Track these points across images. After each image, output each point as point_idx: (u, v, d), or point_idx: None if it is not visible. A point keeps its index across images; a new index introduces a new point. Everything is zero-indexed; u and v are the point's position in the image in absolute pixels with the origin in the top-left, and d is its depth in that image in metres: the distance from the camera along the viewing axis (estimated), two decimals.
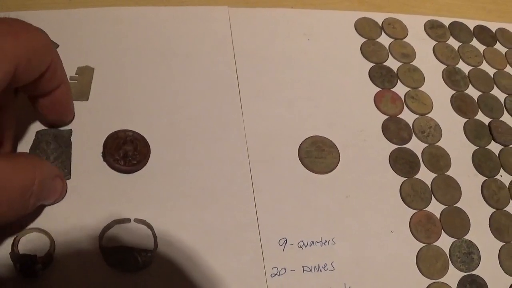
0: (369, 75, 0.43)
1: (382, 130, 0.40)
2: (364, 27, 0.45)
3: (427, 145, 0.40)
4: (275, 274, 0.33)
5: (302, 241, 0.34)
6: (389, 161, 0.39)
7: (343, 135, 0.39)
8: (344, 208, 0.36)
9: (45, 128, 0.34)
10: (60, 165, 0.32)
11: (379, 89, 0.42)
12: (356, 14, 0.45)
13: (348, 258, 0.34)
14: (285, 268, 0.33)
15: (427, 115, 0.42)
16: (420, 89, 0.43)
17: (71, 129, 0.33)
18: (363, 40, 0.44)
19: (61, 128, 0.34)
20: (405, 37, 0.46)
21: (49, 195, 0.30)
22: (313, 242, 0.34)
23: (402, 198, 0.37)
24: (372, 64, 0.43)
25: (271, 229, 0.34)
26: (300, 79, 0.41)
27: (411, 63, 0.44)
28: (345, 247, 0.35)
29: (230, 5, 0.42)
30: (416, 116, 0.42)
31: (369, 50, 0.44)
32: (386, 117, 0.41)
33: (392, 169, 0.38)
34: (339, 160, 0.38)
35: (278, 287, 0.32)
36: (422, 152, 0.40)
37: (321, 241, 0.34)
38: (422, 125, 0.41)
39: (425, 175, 0.39)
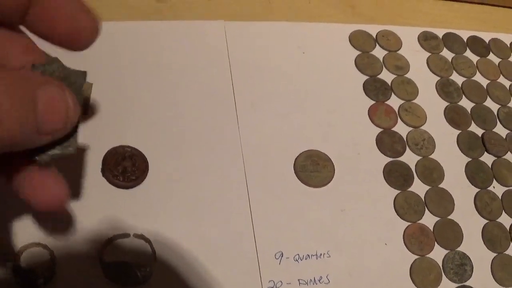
0: (363, 88, 0.44)
1: (376, 143, 0.41)
2: (358, 39, 0.46)
3: (420, 157, 0.42)
4: (272, 287, 0.34)
5: (298, 254, 0.35)
6: (383, 174, 0.40)
7: (337, 149, 0.40)
8: (339, 221, 0.37)
9: (50, 57, 0.24)
10: None
11: (373, 102, 0.43)
12: (350, 27, 0.47)
13: (343, 271, 0.35)
14: (281, 281, 0.34)
15: (421, 127, 0.43)
16: (413, 101, 0.44)
17: (85, 71, 0.24)
18: (358, 52, 0.46)
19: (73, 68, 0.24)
20: (399, 49, 0.47)
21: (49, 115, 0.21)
22: (308, 255, 0.35)
23: (396, 211, 0.39)
24: (367, 77, 0.44)
25: (267, 243, 0.35)
26: (295, 92, 0.42)
27: (405, 75, 0.46)
28: (340, 260, 0.36)
29: (226, 19, 0.43)
30: (410, 128, 0.43)
31: (364, 63, 0.45)
32: (380, 130, 0.42)
33: (386, 182, 0.40)
34: (334, 173, 0.39)
35: None
36: (415, 165, 0.41)
37: (316, 254, 0.36)
38: (415, 138, 0.42)
39: (419, 187, 0.40)
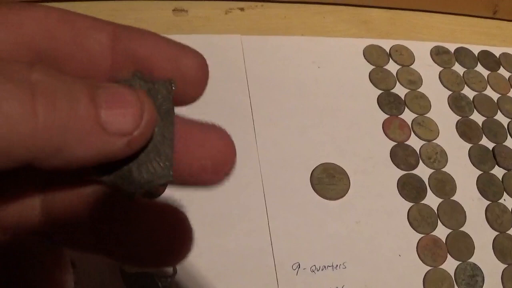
0: (377, 102, 0.45)
1: (391, 157, 0.43)
2: (372, 54, 0.48)
3: (433, 170, 0.43)
4: None
5: (315, 265, 0.37)
6: (397, 186, 0.41)
7: (353, 162, 0.41)
8: (355, 233, 0.39)
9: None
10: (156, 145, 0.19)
11: (387, 116, 0.45)
12: (364, 41, 0.48)
13: (359, 282, 0.37)
14: None
15: (433, 141, 0.45)
16: (426, 115, 0.46)
17: (171, 80, 0.19)
18: (372, 67, 0.47)
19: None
20: (412, 64, 0.49)
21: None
22: (325, 266, 0.37)
23: (409, 223, 0.40)
24: (381, 91, 0.46)
25: (285, 254, 0.36)
26: (311, 106, 0.43)
27: (418, 90, 0.47)
28: (355, 271, 0.37)
29: (243, 33, 0.45)
30: (423, 142, 0.44)
31: (378, 77, 0.47)
32: (394, 143, 0.43)
33: (400, 194, 0.41)
34: (349, 186, 0.40)
35: None
36: (428, 178, 0.43)
37: (332, 266, 0.37)
38: (428, 151, 0.44)
39: (432, 200, 0.42)
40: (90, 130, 0.16)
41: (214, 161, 0.19)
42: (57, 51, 0.19)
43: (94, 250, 0.20)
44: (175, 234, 0.20)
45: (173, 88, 0.19)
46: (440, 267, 0.39)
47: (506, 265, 0.41)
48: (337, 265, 0.37)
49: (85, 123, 0.16)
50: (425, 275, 0.38)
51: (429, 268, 0.39)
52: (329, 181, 0.40)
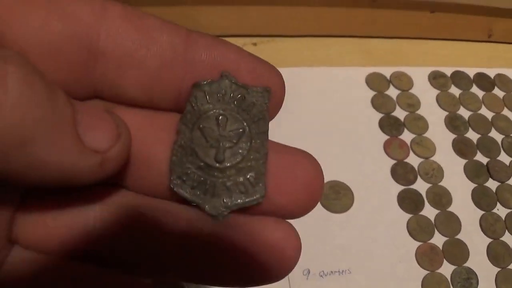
0: (379, 125, 0.50)
1: (391, 173, 0.47)
2: (374, 81, 0.53)
3: (430, 185, 0.47)
4: None
5: (323, 270, 0.41)
6: (397, 200, 0.46)
7: (356, 179, 0.46)
8: (359, 242, 0.43)
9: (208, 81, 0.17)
10: (250, 165, 0.17)
11: (388, 136, 0.49)
12: (367, 70, 0.52)
13: (363, 285, 0.42)
14: None
15: (431, 158, 0.49)
16: (424, 135, 0.50)
17: (267, 88, 0.18)
18: (374, 93, 0.52)
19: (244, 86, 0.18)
20: (411, 88, 0.53)
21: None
22: (332, 271, 0.42)
23: (409, 232, 0.44)
24: (382, 115, 0.50)
25: None
26: (318, 130, 0.48)
27: (416, 112, 0.51)
28: (360, 276, 0.42)
29: None
30: (421, 159, 0.48)
31: (379, 102, 0.51)
32: (395, 161, 0.48)
33: (400, 207, 0.45)
34: (353, 201, 0.45)
35: None
36: (426, 192, 0.47)
37: (339, 271, 0.42)
38: (426, 168, 0.48)
39: (429, 211, 0.46)
40: (64, 130, 0.14)
41: (306, 187, 0.18)
42: (117, 54, 0.16)
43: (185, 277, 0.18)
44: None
45: (270, 97, 0.17)
46: (437, 271, 0.42)
47: (499, 269, 0.44)
48: (343, 271, 0.42)
49: (60, 120, 0.14)
50: (423, 278, 0.42)
51: (426, 272, 0.42)
52: (335, 196, 0.46)
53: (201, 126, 0.17)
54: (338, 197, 0.46)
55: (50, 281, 0.17)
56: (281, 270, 0.18)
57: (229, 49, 0.17)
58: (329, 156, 0.48)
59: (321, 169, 0.18)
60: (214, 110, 0.17)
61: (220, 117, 0.17)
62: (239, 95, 0.17)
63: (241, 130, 0.17)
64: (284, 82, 0.19)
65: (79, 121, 0.14)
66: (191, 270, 0.18)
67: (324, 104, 0.51)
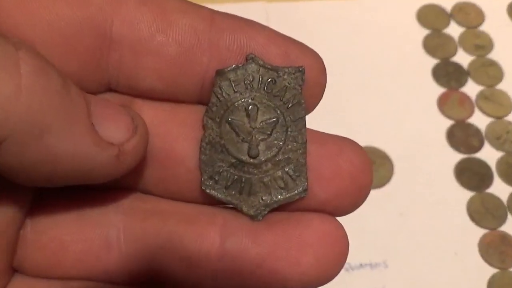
0: (432, 74, 0.45)
1: (447, 138, 0.43)
2: (428, 16, 0.48)
3: (503, 153, 0.42)
4: None
5: (349, 263, 0.37)
6: (454, 173, 0.41)
7: (398, 145, 0.42)
8: (398, 226, 0.39)
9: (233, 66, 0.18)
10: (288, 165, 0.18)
11: (444, 89, 0.45)
12: (418, 1, 0.48)
13: (403, 284, 0.37)
14: None
15: (505, 118, 0.44)
16: (496, 87, 0.45)
17: (301, 68, 0.18)
18: (427, 31, 0.47)
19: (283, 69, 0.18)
20: (481, 24, 0.48)
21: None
22: (361, 264, 0.37)
23: (469, 215, 0.39)
24: (437, 61, 0.46)
25: None
26: (349, 80, 0.44)
27: (487, 56, 0.46)
28: (399, 272, 0.37)
29: (268, 0, 0.45)
30: (490, 119, 0.44)
31: (434, 44, 0.46)
32: (452, 122, 0.43)
33: (458, 182, 0.41)
34: (392, 173, 0.41)
35: None
36: (496, 162, 0.42)
37: (370, 264, 0.37)
38: (497, 130, 0.43)
39: (500, 189, 0.41)
40: (79, 120, 0.15)
41: (352, 179, 0.17)
42: (133, 40, 0.17)
43: None
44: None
45: (304, 78, 0.18)
46: (511, 269, 0.38)
47: None
48: (376, 264, 0.38)
49: (75, 110, 0.15)
50: (490, 278, 0.37)
51: (495, 270, 0.38)
52: None
53: (229, 119, 0.18)
54: (373, 168, 0.39)
55: None
56: (330, 271, 0.18)
57: (258, 31, 0.18)
58: (363, 114, 0.43)
59: (369, 158, 0.18)
60: (243, 100, 0.18)
61: (250, 107, 0.18)
62: (269, 79, 0.18)
63: (274, 119, 0.18)
64: (324, 65, 0.18)
65: (92, 112, 0.16)
66: None
67: (357, 47, 0.46)
